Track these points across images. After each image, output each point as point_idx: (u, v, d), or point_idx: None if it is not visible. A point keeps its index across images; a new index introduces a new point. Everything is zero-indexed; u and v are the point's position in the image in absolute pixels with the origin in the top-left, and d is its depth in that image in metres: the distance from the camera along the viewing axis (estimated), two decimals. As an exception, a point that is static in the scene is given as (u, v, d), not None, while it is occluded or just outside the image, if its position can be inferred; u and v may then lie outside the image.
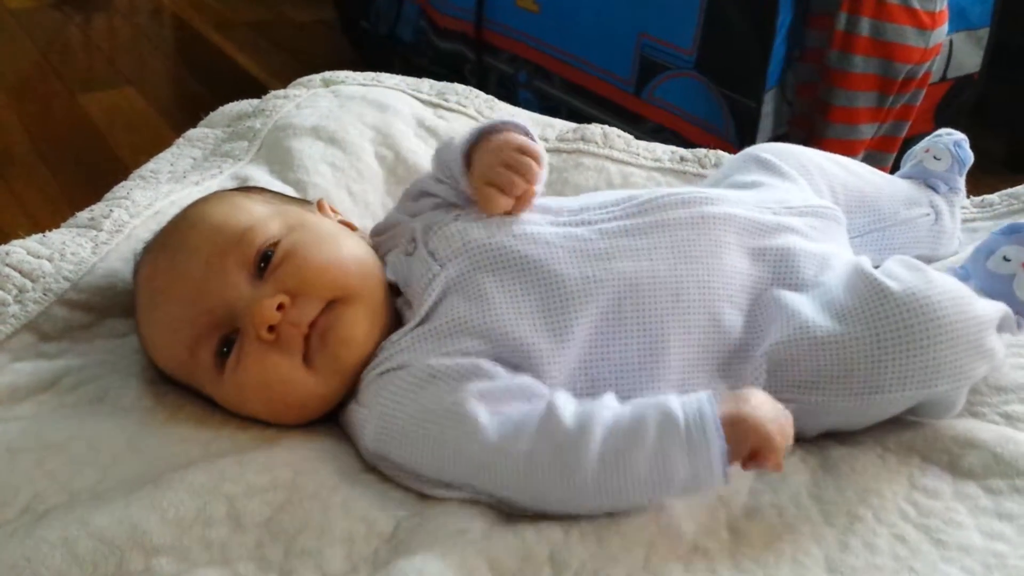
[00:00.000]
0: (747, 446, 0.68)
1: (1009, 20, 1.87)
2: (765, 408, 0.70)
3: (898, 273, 0.78)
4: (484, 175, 0.83)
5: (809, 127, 1.71)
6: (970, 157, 1.08)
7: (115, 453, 0.75)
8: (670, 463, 0.68)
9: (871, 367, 0.75)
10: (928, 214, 1.04)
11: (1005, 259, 0.85)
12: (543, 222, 0.83)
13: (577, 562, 0.67)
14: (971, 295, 0.78)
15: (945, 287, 0.76)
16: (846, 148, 1.68)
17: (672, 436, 0.68)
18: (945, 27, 1.68)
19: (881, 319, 0.75)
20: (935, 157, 1.07)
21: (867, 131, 1.72)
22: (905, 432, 0.80)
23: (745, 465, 0.69)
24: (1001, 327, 0.79)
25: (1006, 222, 1.07)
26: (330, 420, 0.81)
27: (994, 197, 1.15)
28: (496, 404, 0.73)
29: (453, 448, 0.72)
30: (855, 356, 0.76)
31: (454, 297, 0.79)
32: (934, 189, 1.06)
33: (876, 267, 0.81)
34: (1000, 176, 1.68)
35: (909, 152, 1.11)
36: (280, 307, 0.76)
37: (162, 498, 0.70)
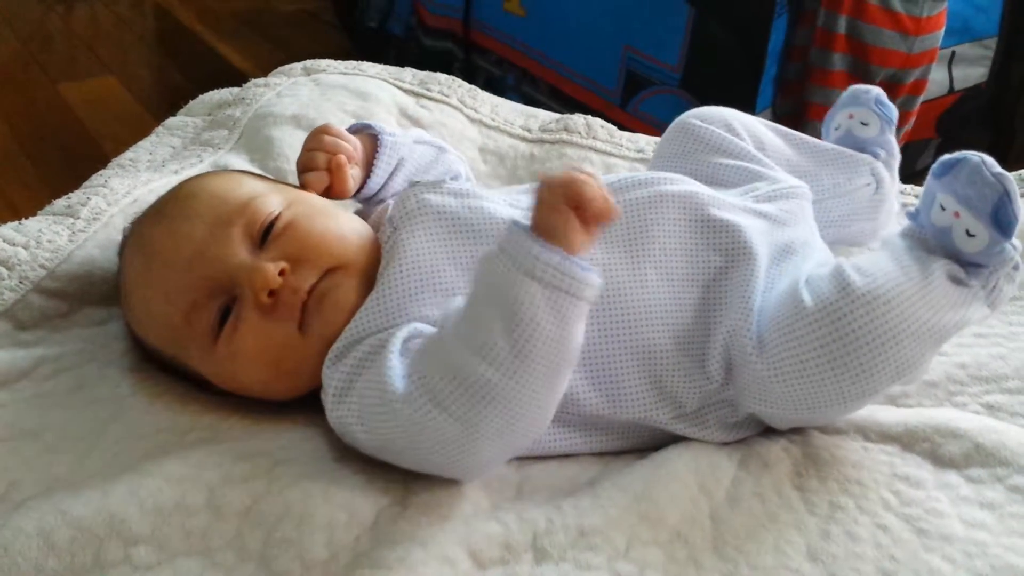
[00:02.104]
0: (555, 211, 0.66)
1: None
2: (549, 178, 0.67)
3: (819, 287, 0.74)
4: (298, 166, 0.90)
5: (793, 126, 1.71)
6: (893, 111, 1.02)
7: (93, 442, 0.75)
8: (514, 286, 0.65)
9: (805, 389, 0.74)
10: (869, 184, 0.99)
11: (942, 208, 0.77)
12: (500, 202, 0.83)
13: (558, 550, 0.67)
14: (895, 294, 0.71)
15: (866, 297, 0.71)
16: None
17: (495, 263, 0.66)
18: (937, 35, 1.66)
19: (802, 343, 0.73)
20: (863, 123, 1.02)
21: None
22: (887, 422, 0.80)
23: (585, 228, 0.66)
24: (953, 280, 0.75)
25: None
26: (310, 408, 0.81)
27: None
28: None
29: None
30: (788, 381, 0.74)
31: (401, 256, 0.79)
32: (874, 156, 1.01)
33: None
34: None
35: (828, 115, 1.05)
36: (281, 273, 0.77)
37: (140, 487, 0.70)
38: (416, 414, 0.67)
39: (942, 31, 1.69)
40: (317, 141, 0.90)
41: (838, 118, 1.04)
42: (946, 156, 0.78)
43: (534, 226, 0.66)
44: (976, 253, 0.75)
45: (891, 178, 1.01)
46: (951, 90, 1.83)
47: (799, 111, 1.69)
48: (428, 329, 0.74)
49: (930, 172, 0.78)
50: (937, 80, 1.79)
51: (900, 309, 0.71)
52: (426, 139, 0.99)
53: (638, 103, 1.82)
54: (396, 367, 0.70)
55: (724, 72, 1.69)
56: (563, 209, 0.65)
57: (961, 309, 0.74)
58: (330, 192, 0.89)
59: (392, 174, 0.93)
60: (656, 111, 1.79)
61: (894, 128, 1.02)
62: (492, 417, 0.66)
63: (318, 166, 0.88)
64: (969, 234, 0.75)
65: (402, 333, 0.74)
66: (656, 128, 1.23)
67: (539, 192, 0.66)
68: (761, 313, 0.77)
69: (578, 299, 0.65)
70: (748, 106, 1.65)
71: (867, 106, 1.02)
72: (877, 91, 1.02)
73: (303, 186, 0.88)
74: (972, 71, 1.85)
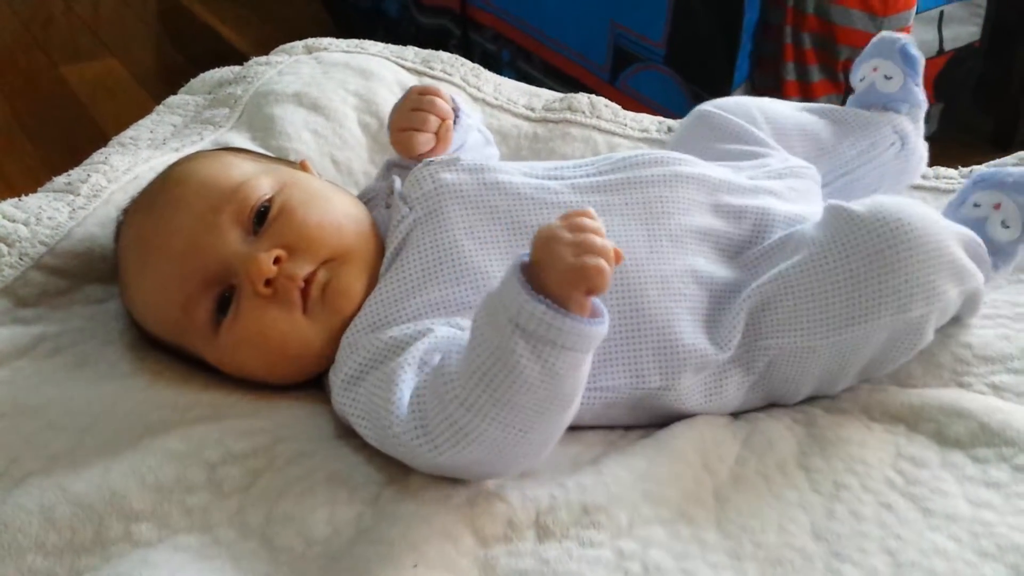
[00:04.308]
0: (559, 273, 0.61)
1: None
2: (549, 235, 0.62)
3: (864, 200, 0.78)
4: (397, 124, 0.89)
5: None
6: (919, 61, 1.02)
7: (93, 419, 0.74)
8: (500, 333, 0.62)
9: (847, 295, 0.75)
10: (893, 143, 1.01)
11: (975, 205, 0.86)
12: (516, 172, 0.83)
13: (561, 527, 0.67)
14: (936, 214, 0.77)
15: (910, 204, 0.76)
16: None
17: (492, 307, 0.63)
18: (906, 15, 1.67)
19: (851, 244, 0.75)
20: (886, 76, 1.02)
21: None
22: (891, 401, 0.79)
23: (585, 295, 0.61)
24: (968, 250, 0.80)
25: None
26: (311, 386, 0.81)
27: (981, 167, 1.15)
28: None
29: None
30: (830, 286, 0.75)
31: (419, 238, 0.79)
32: (896, 111, 1.02)
33: None
34: (986, 153, 1.67)
35: (855, 65, 1.05)
36: (276, 261, 0.76)
37: (141, 464, 0.70)
38: (410, 442, 0.67)
39: (912, 11, 1.69)
40: (429, 103, 0.88)
41: (863, 70, 1.05)
42: (981, 172, 0.91)
43: (529, 269, 0.62)
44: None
45: (916, 130, 1.02)
46: (940, 51, 1.83)
47: (777, 88, 1.70)
48: (447, 340, 0.72)
49: (964, 184, 0.90)
50: (927, 41, 1.79)
51: (940, 226, 0.77)
52: (483, 129, 1.00)
53: (626, 79, 1.83)
54: (407, 384, 0.69)
55: (703, 48, 1.70)
56: (560, 253, 0.61)
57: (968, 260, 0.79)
58: (429, 153, 0.87)
59: (453, 152, 0.92)
60: (643, 87, 1.79)
61: (919, 76, 1.03)
62: (479, 456, 0.65)
63: (429, 129, 0.87)
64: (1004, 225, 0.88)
65: (422, 345, 0.72)
66: (643, 104, 1.23)
67: (539, 237, 0.62)
68: (792, 247, 0.79)
69: (571, 351, 0.61)
70: (726, 81, 1.66)
71: (890, 58, 1.02)
72: (903, 41, 1.02)
73: (407, 145, 0.87)
74: (963, 30, 1.85)
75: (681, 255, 0.79)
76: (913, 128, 1.02)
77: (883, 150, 1.00)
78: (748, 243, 0.82)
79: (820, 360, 0.78)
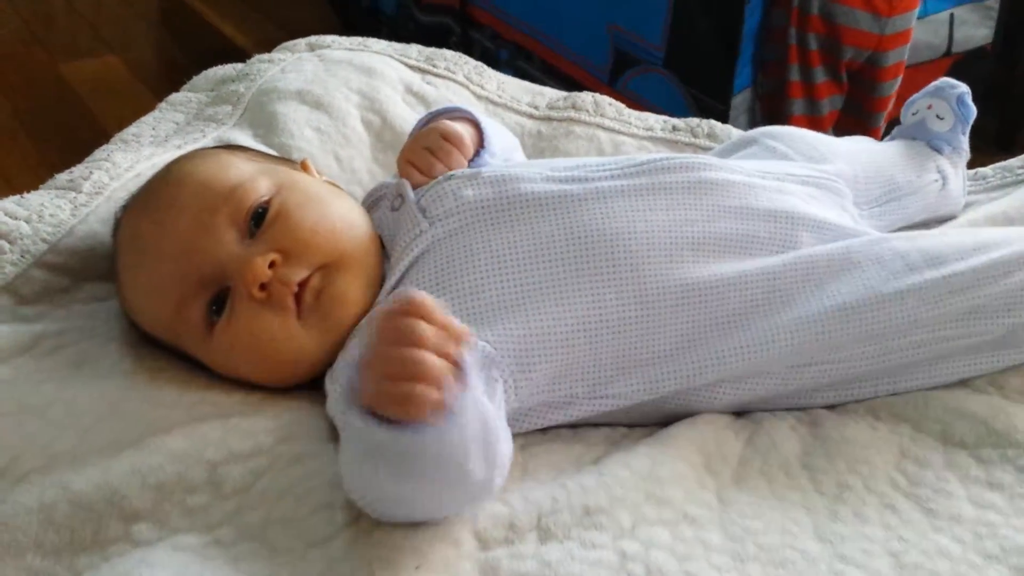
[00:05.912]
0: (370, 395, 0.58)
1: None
2: (366, 351, 0.60)
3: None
4: (406, 154, 0.89)
5: (777, 105, 1.71)
6: (973, 112, 1.07)
7: (94, 417, 0.74)
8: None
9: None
10: (936, 180, 1.03)
11: (913, 114, 1.01)
12: (538, 179, 0.82)
13: (563, 529, 0.67)
14: None
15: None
16: (813, 125, 1.69)
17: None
18: (909, 15, 1.68)
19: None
20: (938, 116, 1.06)
21: (826, 106, 1.73)
22: (896, 402, 0.79)
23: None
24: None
25: (999, 194, 1.07)
26: (313, 387, 0.80)
27: (987, 170, 1.15)
28: None
29: None
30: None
31: (437, 255, 0.78)
32: (938, 151, 1.05)
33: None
34: (990, 154, 1.67)
35: (910, 101, 1.09)
36: (272, 265, 0.76)
37: (142, 463, 0.69)
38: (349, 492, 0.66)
39: (915, 12, 1.70)
40: (445, 152, 0.87)
41: (918, 104, 1.08)
42: None
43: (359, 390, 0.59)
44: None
45: (955, 175, 1.06)
46: (948, 52, 1.83)
47: (781, 90, 1.70)
48: None
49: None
50: (935, 44, 1.79)
51: None
52: (518, 151, 1.00)
53: (625, 81, 1.83)
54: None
55: (702, 52, 1.70)
56: (385, 384, 0.58)
57: None
58: None
59: None
60: (642, 90, 1.79)
61: (968, 127, 1.08)
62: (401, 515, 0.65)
63: (432, 175, 0.86)
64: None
65: None
66: (642, 108, 1.23)
67: (365, 353, 0.59)
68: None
69: (392, 456, 0.60)
70: (726, 86, 1.66)
71: (947, 101, 1.06)
72: (963, 90, 1.06)
73: (407, 176, 0.87)
74: (975, 33, 1.85)
75: (703, 263, 0.79)
76: (952, 172, 1.05)
77: (928, 183, 1.03)
78: (781, 245, 0.82)
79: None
